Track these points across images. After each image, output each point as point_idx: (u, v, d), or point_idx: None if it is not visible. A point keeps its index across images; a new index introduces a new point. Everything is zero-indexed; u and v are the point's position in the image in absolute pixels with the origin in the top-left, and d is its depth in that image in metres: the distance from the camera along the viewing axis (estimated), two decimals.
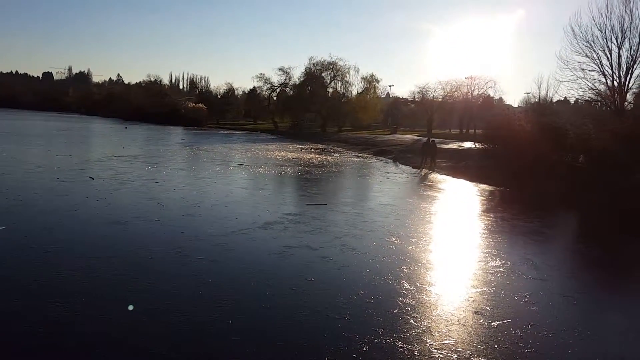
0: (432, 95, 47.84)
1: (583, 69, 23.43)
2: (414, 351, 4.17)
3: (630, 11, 21.68)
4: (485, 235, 8.86)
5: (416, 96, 50.49)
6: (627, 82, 22.68)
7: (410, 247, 7.51)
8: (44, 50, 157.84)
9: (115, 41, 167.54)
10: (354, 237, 8.01)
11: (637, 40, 21.82)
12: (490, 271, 6.54)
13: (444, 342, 4.37)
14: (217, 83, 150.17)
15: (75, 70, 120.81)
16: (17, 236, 6.98)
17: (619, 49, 22.25)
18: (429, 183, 16.67)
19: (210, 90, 73.61)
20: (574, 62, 23.65)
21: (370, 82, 54.54)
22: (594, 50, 22.78)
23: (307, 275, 5.95)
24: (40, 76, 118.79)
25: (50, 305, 4.72)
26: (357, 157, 26.74)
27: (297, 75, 56.50)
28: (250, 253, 6.85)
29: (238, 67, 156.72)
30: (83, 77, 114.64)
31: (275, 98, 60.55)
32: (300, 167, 19.10)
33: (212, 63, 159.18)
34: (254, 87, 63.21)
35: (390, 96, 64.66)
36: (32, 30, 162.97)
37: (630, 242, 9.65)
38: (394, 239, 7.96)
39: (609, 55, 22.57)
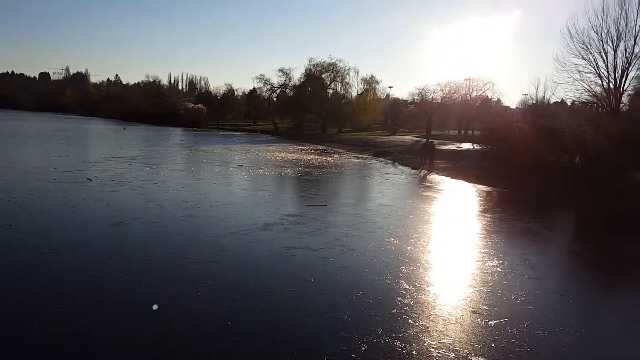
0: (431, 97, 48.03)
1: (579, 71, 23.61)
2: (412, 350, 4.22)
3: (626, 14, 21.87)
4: (483, 236, 8.93)
5: (415, 97, 50.69)
6: (622, 84, 22.86)
7: (409, 248, 7.56)
8: (41, 51, 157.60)
9: (114, 41, 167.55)
10: (353, 237, 8.06)
11: (633, 42, 22.01)
12: (488, 271, 6.61)
13: (442, 341, 4.43)
14: (217, 84, 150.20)
15: (72, 71, 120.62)
16: (13, 237, 6.98)
17: (615, 51, 22.44)
18: (428, 184, 16.74)
19: (209, 91, 73.69)
20: (571, 64, 23.83)
21: (370, 83, 54.72)
22: (590, 53, 22.97)
23: (306, 276, 5.99)
24: (37, 77, 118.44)
25: (47, 307, 4.73)
26: (357, 158, 26.81)
27: (297, 76, 56.69)
28: (249, 254, 6.89)
29: (238, 68, 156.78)
30: (81, 78, 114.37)
31: (275, 99, 60.64)
32: (300, 168, 19.15)
33: (212, 64, 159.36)
34: (253, 88, 63.39)
35: (390, 97, 64.83)
36: (29, 30, 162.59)
37: (625, 243, 9.74)
38: (393, 240, 8.02)
39: (604, 58, 22.75)
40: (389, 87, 72.59)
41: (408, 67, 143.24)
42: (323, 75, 54.54)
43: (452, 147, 28.09)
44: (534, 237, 9.36)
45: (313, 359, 4.03)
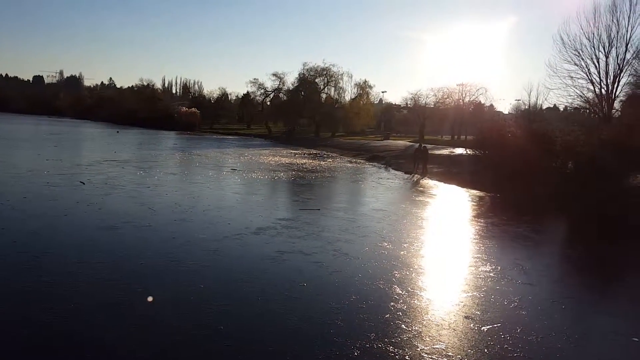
0: (424, 102, 48.41)
1: (572, 77, 23.97)
2: (405, 356, 4.19)
3: (617, 21, 22.27)
4: (476, 241, 8.96)
5: (409, 102, 51.06)
6: (614, 90, 23.23)
7: (402, 252, 7.56)
8: (35, 54, 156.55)
9: (108, 45, 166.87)
10: (346, 242, 8.04)
11: (624, 49, 22.41)
12: (481, 276, 6.62)
13: (434, 346, 4.41)
14: (211, 88, 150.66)
15: (66, 74, 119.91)
16: (6, 241, 6.89)
17: (607, 57, 22.83)
18: (421, 188, 16.80)
19: (203, 95, 73.56)
20: (563, 70, 24.19)
21: (364, 88, 55.01)
22: (583, 59, 23.34)
23: (299, 281, 5.96)
24: (31, 80, 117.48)
25: (38, 310, 4.66)
26: (350, 162, 26.86)
27: (290, 80, 56.83)
28: (242, 258, 6.84)
29: (232, 72, 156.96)
30: (74, 81, 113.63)
31: (269, 103, 60.69)
32: (293, 172, 19.12)
33: (206, 68, 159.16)
34: (247, 92, 63.49)
35: (384, 102, 65.26)
36: (23, 33, 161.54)
37: (617, 248, 9.83)
38: (386, 244, 8.01)
39: (596, 64, 23.13)
40: (382, 92, 73.00)
41: (401, 72, 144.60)
42: (317, 80, 54.77)
43: (445, 152, 28.27)
44: (526, 242, 9.41)
45: None
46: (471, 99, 47.38)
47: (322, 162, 25.16)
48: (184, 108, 61.72)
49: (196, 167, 19.46)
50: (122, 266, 6.11)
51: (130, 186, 12.62)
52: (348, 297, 5.49)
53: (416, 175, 20.65)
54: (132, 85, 79.15)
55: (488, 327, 4.90)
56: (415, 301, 5.54)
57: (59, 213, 8.88)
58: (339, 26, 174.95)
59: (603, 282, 7.40)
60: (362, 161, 27.75)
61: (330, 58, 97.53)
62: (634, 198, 12.46)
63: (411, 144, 36.64)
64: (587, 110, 26.06)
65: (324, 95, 55.53)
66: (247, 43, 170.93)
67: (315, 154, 31.59)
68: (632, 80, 23.03)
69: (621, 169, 12.99)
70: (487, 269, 6.94)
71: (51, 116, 70.29)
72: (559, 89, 24.81)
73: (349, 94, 56.22)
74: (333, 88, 55.18)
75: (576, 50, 23.44)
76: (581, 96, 24.29)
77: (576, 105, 26.15)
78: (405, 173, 21.26)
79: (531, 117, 28.93)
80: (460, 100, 47.41)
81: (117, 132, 42.20)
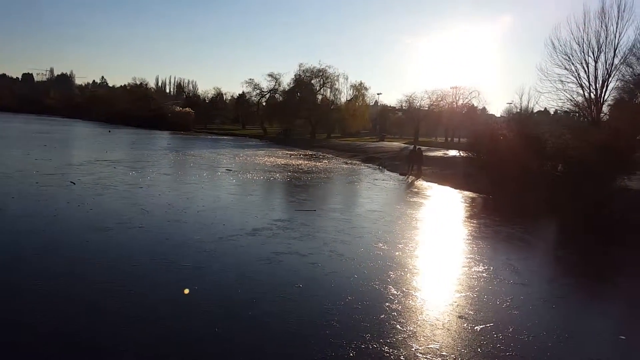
0: (418, 104, 48.76)
1: (562, 81, 24.39)
2: (400, 356, 4.24)
3: (606, 27, 22.73)
4: (469, 241, 9.07)
5: (403, 105, 51.37)
6: (603, 95, 23.69)
7: (397, 253, 7.62)
8: (25, 51, 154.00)
9: (100, 43, 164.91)
10: (342, 243, 8.08)
11: (612, 54, 22.87)
12: (474, 276, 6.70)
13: (429, 346, 4.47)
14: (205, 88, 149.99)
15: (57, 72, 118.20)
16: None
17: (596, 62, 23.28)
18: (416, 190, 16.92)
19: (198, 95, 73.20)
20: (554, 74, 24.61)
21: (359, 89, 55.25)
22: (573, 63, 23.77)
23: (295, 282, 5.98)
24: (20, 77, 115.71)
25: (27, 312, 4.62)
26: (346, 163, 26.94)
27: (286, 81, 56.87)
28: (237, 259, 6.84)
29: (227, 72, 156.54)
30: (65, 79, 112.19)
31: (264, 104, 60.60)
32: (289, 173, 19.13)
33: (200, 67, 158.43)
34: (243, 92, 63.27)
35: (379, 104, 65.50)
36: (12, 30, 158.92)
37: (606, 248, 10.01)
38: (381, 245, 8.07)
39: (586, 69, 23.57)
40: (378, 94, 73.21)
41: (396, 74, 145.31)
42: (313, 81, 54.89)
43: (439, 153, 28.49)
44: (519, 242, 9.54)
45: None
46: (464, 102, 47.85)
47: (318, 163, 25.19)
48: (178, 108, 61.33)
49: (190, 167, 19.36)
50: (113, 268, 6.06)
51: (122, 186, 12.52)
52: (344, 297, 5.52)
53: (411, 176, 20.79)
54: (125, 84, 78.54)
55: (481, 326, 4.97)
56: (410, 301, 5.60)
57: (48, 214, 8.75)
58: (336, 28, 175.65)
59: (593, 282, 7.54)
60: (357, 162, 27.84)
61: (326, 59, 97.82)
62: (622, 199, 12.70)
63: (406, 145, 36.88)
64: (577, 114, 26.51)
65: (319, 97, 55.65)
66: (243, 43, 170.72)
67: (311, 155, 31.61)
68: (619, 85, 23.52)
69: (609, 171, 13.23)
70: (480, 269, 7.03)
71: (41, 115, 69.31)
72: (549, 92, 25.28)
73: (344, 96, 56.49)
74: (329, 89, 55.42)
75: (566, 54, 23.88)
76: (571, 100, 24.72)
77: (566, 109, 26.62)
78: (400, 174, 21.40)
79: (522, 120, 29.29)
80: (454, 103, 47.85)
81: (109, 131, 41.75)
